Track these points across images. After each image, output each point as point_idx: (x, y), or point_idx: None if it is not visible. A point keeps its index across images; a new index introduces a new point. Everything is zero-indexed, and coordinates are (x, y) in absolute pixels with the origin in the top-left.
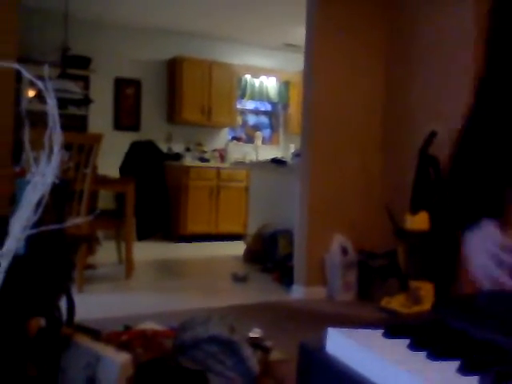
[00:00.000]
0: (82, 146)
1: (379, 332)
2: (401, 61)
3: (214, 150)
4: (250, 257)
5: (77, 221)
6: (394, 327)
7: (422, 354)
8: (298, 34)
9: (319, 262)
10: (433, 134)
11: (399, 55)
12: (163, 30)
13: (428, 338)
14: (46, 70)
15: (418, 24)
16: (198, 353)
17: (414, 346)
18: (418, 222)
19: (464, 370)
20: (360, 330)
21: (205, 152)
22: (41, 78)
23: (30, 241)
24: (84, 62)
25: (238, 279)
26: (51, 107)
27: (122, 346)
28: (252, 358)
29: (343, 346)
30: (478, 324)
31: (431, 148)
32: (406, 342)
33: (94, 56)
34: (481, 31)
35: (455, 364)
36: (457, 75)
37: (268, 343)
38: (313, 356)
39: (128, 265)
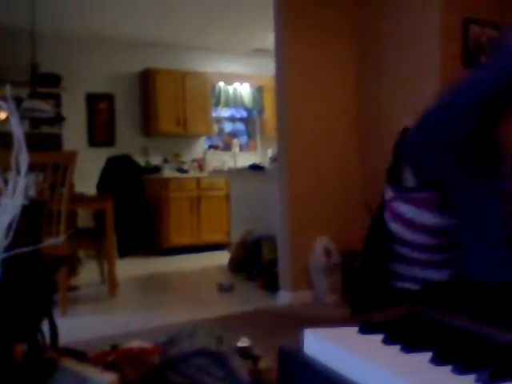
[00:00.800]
0: (56, 165)
1: (355, 329)
2: (371, 58)
3: (193, 160)
4: (235, 265)
5: (52, 241)
6: (368, 323)
7: (396, 348)
8: (268, 38)
9: (303, 265)
10: (405, 130)
11: (369, 53)
12: (133, 42)
13: (402, 331)
14: (8, 89)
15: (387, 20)
16: (186, 367)
17: (388, 341)
18: None
19: (436, 361)
20: (336, 329)
21: (183, 163)
22: (12, 97)
23: (6, 265)
24: (54, 79)
25: (224, 289)
26: (14, 126)
27: (109, 366)
28: (241, 369)
29: (319, 346)
30: (451, 313)
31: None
32: (381, 336)
33: (64, 73)
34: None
35: (429, 355)
36: (425, 72)
37: (257, 352)
38: (291, 358)
39: (111, 283)
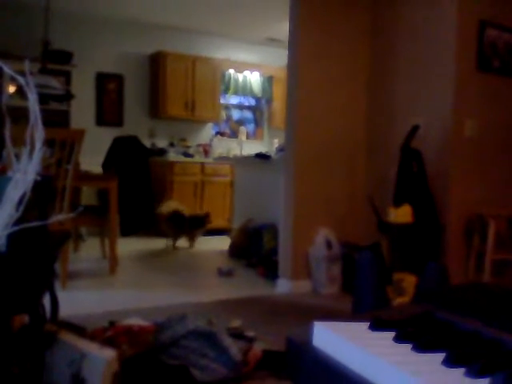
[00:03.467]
0: (64, 142)
1: (365, 325)
2: (384, 57)
3: (198, 145)
4: (235, 251)
5: (59, 217)
6: (379, 320)
7: (407, 347)
8: (282, 28)
9: (304, 255)
10: (415, 128)
11: (383, 48)
12: (146, 24)
13: (414, 330)
14: (27, 65)
15: (401, 21)
16: (178, 350)
17: (399, 339)
18: (401, 214)
19: (449, 362)
20: (346, 323)
21: (189, 147)
22: (22, 73)
23: (12, 238)
24: (65, 56)
25: (223, 274)
26: (32, 103)
27: (107, 342)
28: (233, 347)
29: (330, 339)
30: (463, 316)
31: (414, 142)
32: (392, 334)
33: (76, 51)
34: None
35: (440, 356)
36: (438, 72)
37: (250, 333)
38: (300, 350)
39: (112, 261)
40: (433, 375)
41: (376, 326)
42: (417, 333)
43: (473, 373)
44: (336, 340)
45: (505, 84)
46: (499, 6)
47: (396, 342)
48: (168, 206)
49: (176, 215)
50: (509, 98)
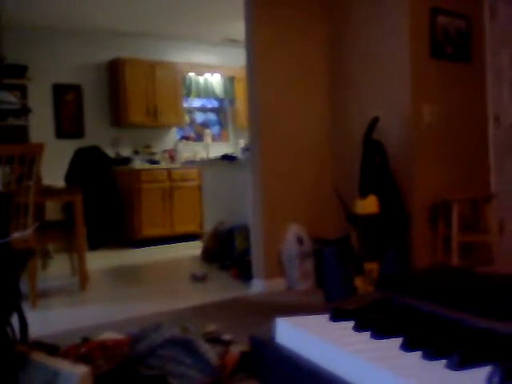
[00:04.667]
0: (23, 158)
1: (326, 317)
2: (343, 50)
3: (164, 151)
4: (208, 256)
5: (20, 234)
6: (339, 310)
7: (366, 334)
8: (239, 28)
9: (276, 253)
10: (375, 120)
11: (340, 43)
12: (101, 31)
13: (372, 317)
14: None
15: (357, 10)
16: (155, 360)
17: (359, 327)
18: (368, 205)
19: (407, 346)
20: (307, 317)
21: (154, 154)
22: None
23: None
24: (20, 70)
25: (197, 279)
26: None
27: (82, 358)
28: (209, 352)
29: (291, 334)
30: (421, 299)
31: (375, 133)
32: (352, 323)
33: (30, 63)
34: (413, 21)
35: (399, 341)
36: (393, 62)
37: (226, 336)
38: (263, 347)
39: (82, 276)
40: (392, 360)
41: (336, 316)
42: (376, 320)
43: (429, 355)
44: (297, 334)
45: (459, 69)
46: None
47: (356, 330)
48: None
49: None
50: (464, 82)
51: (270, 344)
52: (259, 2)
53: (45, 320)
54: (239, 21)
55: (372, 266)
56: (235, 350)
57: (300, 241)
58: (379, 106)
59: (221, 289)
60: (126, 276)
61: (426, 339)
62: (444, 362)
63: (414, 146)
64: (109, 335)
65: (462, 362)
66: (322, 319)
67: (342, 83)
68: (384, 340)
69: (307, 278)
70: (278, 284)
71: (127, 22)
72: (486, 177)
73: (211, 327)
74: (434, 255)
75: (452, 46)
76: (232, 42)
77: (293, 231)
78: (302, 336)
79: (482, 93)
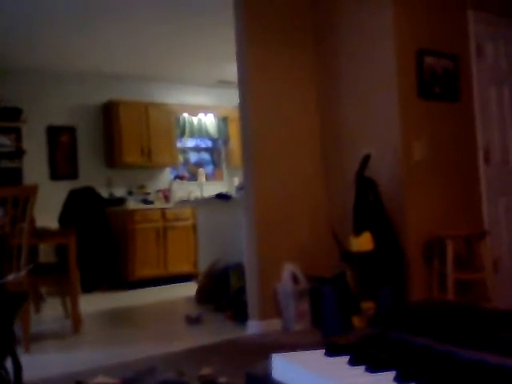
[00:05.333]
0: (16, 200)
1: (321, 352)
2: (331, 90)
3: (158, 191)
4: (203, 296)
5: (13, 276)
6: (334, 346)
7: (361, 369)
8: (232, 70)
9: (272, 293)
10: (367, 157)
11: (329, 84)
12: (95, 73)
13: (367, 352)
14: None
15: (345, 53)
16: None
17: (353, 362)
18: (362, 243)
19: (400, 380)
20: (303, 353)
21: (148, 194)
22: None
23: None
24: (14, 113)
25: (192, 321)
26: None
27: None
28: None
29: (287, 370)
30: (414, 334)
31: (367, 170)
32: (347, 358)
33: (25, 106)
34: (401, 61)
35: (393, 374)
36: (382, 102)
37: (222, 379)
38: (260, 383)
39: (75, 319)
40: None
41: (331, 351)
42: (370, 354)
43: None
44: (293, 370)
45: (447, 108)
46: (435, 33)
47: (350, 364)
48: None
49: None
50: (453, 120)
51: (267, 380)
52: (251, 44)
53: (38, 364)
54: (231, 62)
55: (369, 305)
56: None
57: (295, 279)
58: (370, 143)
59: (216, 331)
60: (119, 319)
61: (418, 372)
62: None
63: (405, 183)
64: (102, 379)
65: None
66: (318, 354)
67: (334, 121)
68: (378, 373)
69: (303, 318)
70: (274, 324)
71: (121, 64)
72: (479, 213)
73: (206, 370)
74: (429, 292)
75: (440, 85)
76: (225, 83)
77: (288, 270)
78: (298, 371)
79: (471, 130)
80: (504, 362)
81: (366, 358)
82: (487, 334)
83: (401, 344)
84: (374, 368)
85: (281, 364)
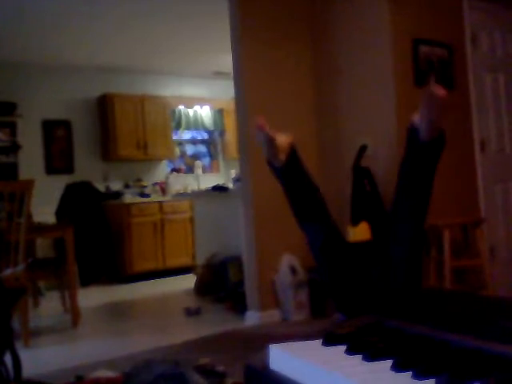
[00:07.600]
0: (13, 195)
1: (319, 342)
2: (331, 79)
3: (155, 184)
4: (202, 288)
5: (10, 271)
6: (331, 335)
7: (358, 358)
8: (227, 61)
9: (270, 284)
10: (363, 148)
11: (326, 76)
12: (90, 67)
13: (364, 341)
14: None
15: (341, 44)
16: None
17: (350, 351)
18: (360, 232)
19: (397, 368)
20: (300, 343)
21: (145, 187)
22: None
23: None
24: (9, 107)
25: (191, 313)
26: None
27: None
28: (200, 382)
29: (285, 360)
30: (411, 322)
31: (364, 160)
32: (344, 347)
33: (19, 100)
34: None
35: (389, 363)
36: (379, 91)
37: (220, 368)
38: (258, 374)
39: (73, 313)
40: (382, 381)
41: (328, 341)
42: (367, 343)
43: (419, 375)
44: (291, 360)
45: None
46: (431, 22)
47: (348, 354)
48: None
49: None
50: (449, 109)
51: (264, 371)
52: (246, 37)
53: (38, 358)
54: (227, 54)
55: None
56: (229, 382)
57: (293, 270)
58: (367, 133)
59: (215, 322)
60: (118, 312)
61: (415, 360)
62: (433, 381)
63: None
64: (102, 373)
65: (450, 380)
66: (315, 344)
67: (330, 112)
68: (376, 362)
69: (302, 308)
70: (273, 315)
71: (116, 57)
72: (476, 201)
73: (204, 360)
74: (427, 280)
75: (436, 74)
76: (220, 74)
77: (286, 260)
78: (296, 361)
79: (467, 118)
80: (504, 350)
81: (364, 347)
82: (487, 322)
83: (398, 333)
84: (371, 357)
85: (278, 354)
